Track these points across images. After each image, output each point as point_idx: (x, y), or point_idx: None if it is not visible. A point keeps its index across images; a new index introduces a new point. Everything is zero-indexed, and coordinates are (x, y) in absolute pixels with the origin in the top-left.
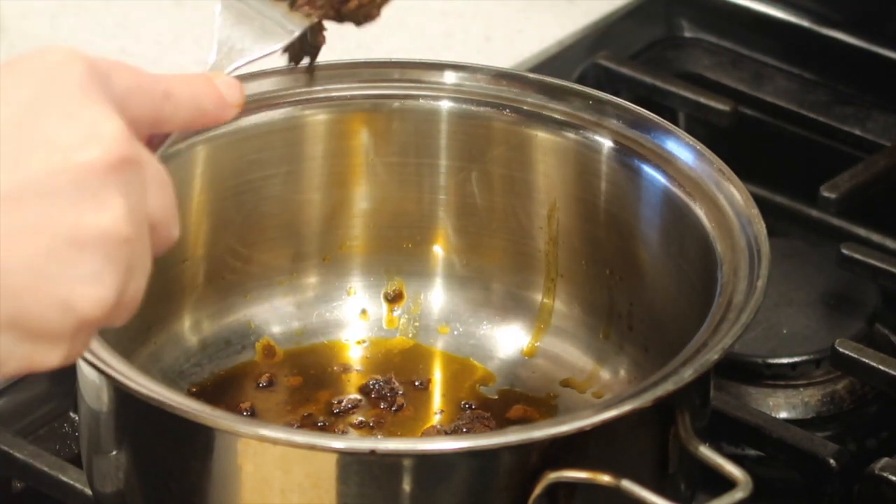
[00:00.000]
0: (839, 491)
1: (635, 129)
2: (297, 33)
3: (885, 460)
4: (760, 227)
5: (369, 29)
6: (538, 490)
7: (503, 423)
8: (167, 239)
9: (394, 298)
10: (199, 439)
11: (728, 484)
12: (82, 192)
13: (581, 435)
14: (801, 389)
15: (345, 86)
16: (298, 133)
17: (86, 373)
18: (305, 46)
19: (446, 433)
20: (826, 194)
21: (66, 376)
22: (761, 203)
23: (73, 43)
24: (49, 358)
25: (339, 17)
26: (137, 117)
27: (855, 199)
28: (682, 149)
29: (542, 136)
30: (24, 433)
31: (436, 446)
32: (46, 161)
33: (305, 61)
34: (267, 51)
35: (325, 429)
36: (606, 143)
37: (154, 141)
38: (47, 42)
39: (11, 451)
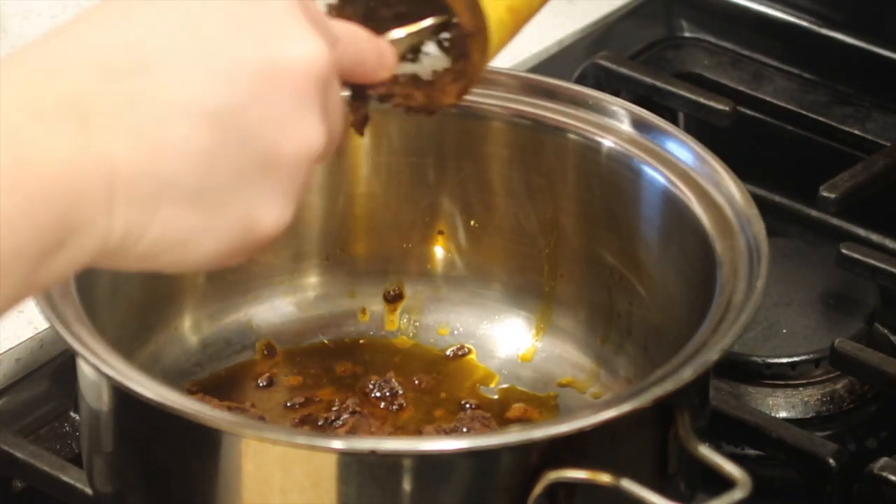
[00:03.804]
0: (839, 491)
1: (635, 129)
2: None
3: (884, 460)
4: (760, 227)
5: None
6: (538, 490)
7: (503, 423)
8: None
9: (394, 298)
10: (199, 439)
11: (727, 483)
12: (292, 105)
13: (581, 435)
14: (801, 389)
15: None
16: None
17: (86, 373)
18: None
19: (446, 433)
20: (825, 194)
21: (66, 376)
22: (761, 203)
23: None
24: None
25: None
26: None
27: (854, 199)
28: (682, 149)
29: (541, 136)
30: (25, 433)
31: (436, 446)
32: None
33: None
34: None
35: (325, 429)
36: (606, 143)
37: None
38: None
39: (12, 451)
